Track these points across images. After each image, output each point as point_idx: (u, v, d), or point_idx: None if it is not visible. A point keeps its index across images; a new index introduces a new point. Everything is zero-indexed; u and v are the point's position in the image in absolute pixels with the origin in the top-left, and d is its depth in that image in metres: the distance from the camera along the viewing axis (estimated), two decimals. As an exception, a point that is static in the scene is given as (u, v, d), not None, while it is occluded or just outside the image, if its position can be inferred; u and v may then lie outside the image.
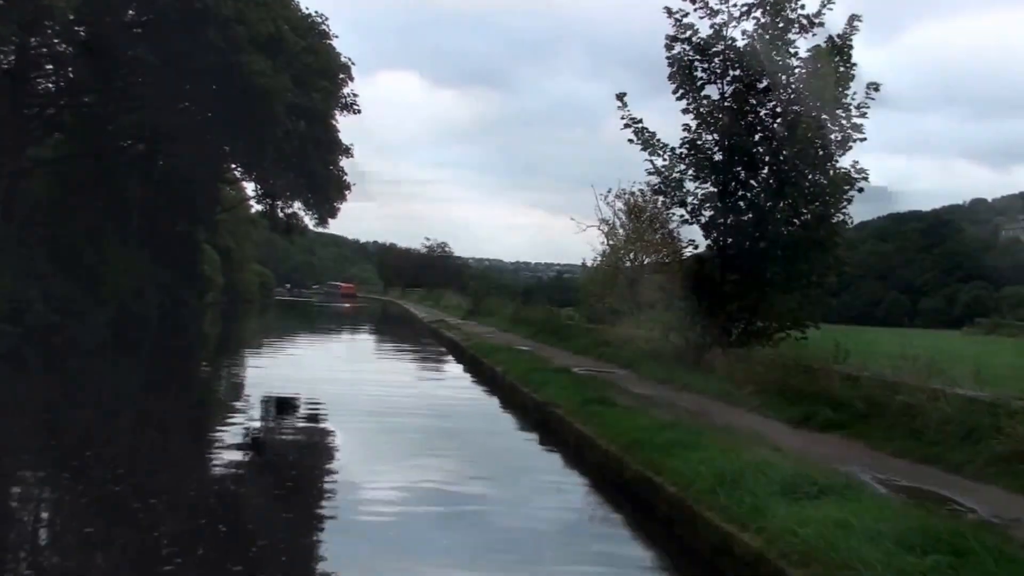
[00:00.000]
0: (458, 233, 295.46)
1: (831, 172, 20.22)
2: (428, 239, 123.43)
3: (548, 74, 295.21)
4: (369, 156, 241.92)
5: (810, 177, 20.21)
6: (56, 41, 31.51)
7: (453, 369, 29.03)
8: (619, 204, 35.55)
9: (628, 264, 35.68)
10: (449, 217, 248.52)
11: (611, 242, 35.87)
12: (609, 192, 35.78)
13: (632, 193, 35.36)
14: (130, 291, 37.83)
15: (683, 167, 20.94)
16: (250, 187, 54.88)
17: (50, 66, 33.09)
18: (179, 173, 43.25)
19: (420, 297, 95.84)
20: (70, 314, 30.74)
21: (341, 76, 41.35)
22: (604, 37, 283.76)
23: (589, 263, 37.28)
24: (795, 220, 19.99)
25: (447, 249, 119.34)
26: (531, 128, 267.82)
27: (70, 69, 33.94)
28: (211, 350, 35.96)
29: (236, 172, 50.32)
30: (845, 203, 20.02)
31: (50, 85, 34.71)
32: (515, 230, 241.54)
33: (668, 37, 21.12)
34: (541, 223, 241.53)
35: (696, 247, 21.81)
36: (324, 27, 40.08)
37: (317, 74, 37.51)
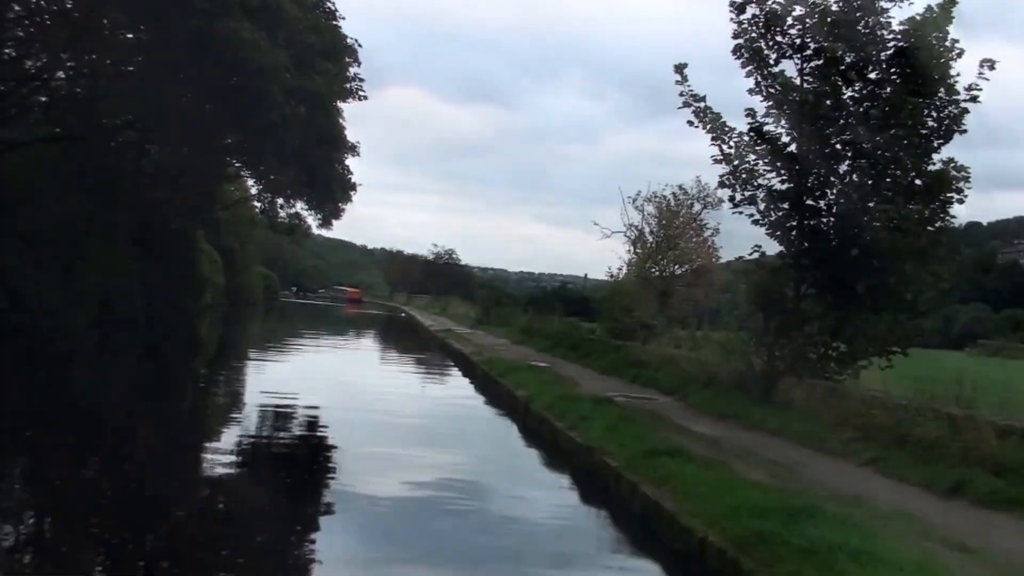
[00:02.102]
0: (463, 242, 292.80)
1: (925, 168, 16.77)
2: (436, 245, 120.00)
3: (550, 93, 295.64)
4: (378, 165, 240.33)
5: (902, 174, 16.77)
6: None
7: (464, 390, 25.34)
8: (649, 208, 32.11)
9: (657, 273, 32.21)
10: (455, 227, 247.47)
11: (638, 250, 32.38)
12: (638, 195, 32.40)
13: (664, 197, 32.04)
14: (115, 291, 34.39)
15: (753, 157, 17.46)
16: (251, 185, 51.51)
17: (24, 35, 29.67)
18: (174, 166, 39.76)
19: (426, 304, 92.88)
20: (42, 314, 27.40)
21: (347, 59, 37.85)
22: (603, 60, 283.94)
23: (614, 272, 33.67)
24: (889, 224, 16.34)
25: (454, 256, 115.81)
26: (534, 144, 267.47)
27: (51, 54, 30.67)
28: (199, 358, 32.33)
29: (236, 166, 46.60)
30: (954, 203, 16.53)
31: (27, 60, 31.28)
32: (519, 241, 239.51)
33: (736, 2, 17.71)
34: (545, 235, 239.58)
35: (763, 253, 18.21)
36: (330, 4, 36.65)
37: (320, 55, 33.99)
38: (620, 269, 33.48)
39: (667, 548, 9.26)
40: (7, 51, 30.50)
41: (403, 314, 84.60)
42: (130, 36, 31.39)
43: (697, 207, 32.22)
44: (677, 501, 9.64)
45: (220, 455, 13.25)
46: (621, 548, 10.17)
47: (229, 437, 14.92)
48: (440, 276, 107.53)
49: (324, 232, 55.89)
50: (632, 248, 32.47)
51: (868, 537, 7.95)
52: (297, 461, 13.77)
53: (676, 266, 32.28)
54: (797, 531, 7.96)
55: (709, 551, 8.39)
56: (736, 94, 18.16)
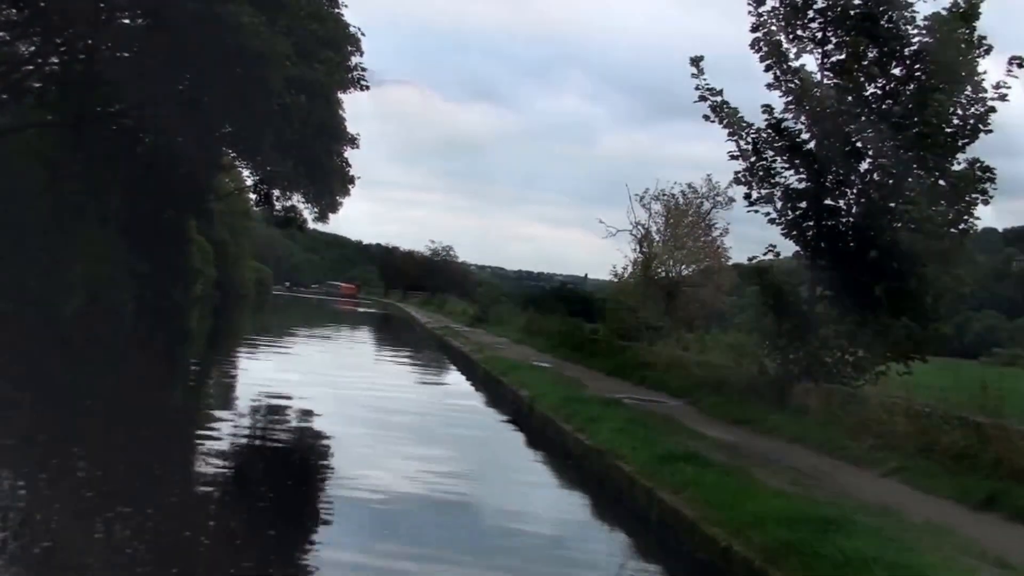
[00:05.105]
0: (460, 241, 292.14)
1: (949, 168, 16.22)
2: (433, 242, 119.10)
3: (549, 94, 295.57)
4: (375, 160, 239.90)
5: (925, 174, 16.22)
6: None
7: (463, 389, 24.74)
8: (657, 207, 31.53)
9: (664, 274, 31.61)
10: (453, 225, 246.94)
11: (645, 249, 31.77)
12: (645, 193, 31.81)
13: (672, 195, 31.47)
14: (103, 281, 33.69)
15: (771, 154, 16.91)
16: (247, 176, 50.75)
17: (18, 18, 28.98)
18: (168, 155, 38.96)
19: (422, 301, 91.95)
20: (25, 303, 26.71)
21: (349, 48, 37.09)
22: (602, 63, 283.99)
23: (619, 271, 33.05)
24: (911, 225, 15.76)
25: (452, 254, 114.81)
26: (533, 143, 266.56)
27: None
28: (186, 351, 31.67)
29: (231, 156, 45.80)
30: (978, 204, 15.99)
31: (21, 44, 30.64)
32: (517, 240, 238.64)
33: (756, -5, 17.22)
34: (543, 234, 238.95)
35: (778, 254, 17.64)
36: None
37: (322, 44, 33.23)
38: (625, 268, 32.93)
39: (687, 558, 8.68)
40: (0, 34, 29.86)
41: (398, 311, 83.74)
42: (127, 21, 30.75)
43: (706, 206, 31.72)
44: (697, 508, 9.04)
45: (205, 456, 12.55)
46: (636, 556, 9.58)
47: (214, 437, 14.12)
48: (437, 273, 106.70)
49: (319, 226, 55.14)
50: (638, 247, 31.89)
51: (904, 550, 7.43)
52: (279, 470, 12.82)
53: (683, 266, 31.72)
54: (829, 542, 7.44)
55: (734, 561, 7.82)
56: (738, 100, 17.60)
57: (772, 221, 17.12)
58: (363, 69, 39.03)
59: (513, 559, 8.96)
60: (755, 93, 17.76)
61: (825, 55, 16.98)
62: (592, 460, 12.50)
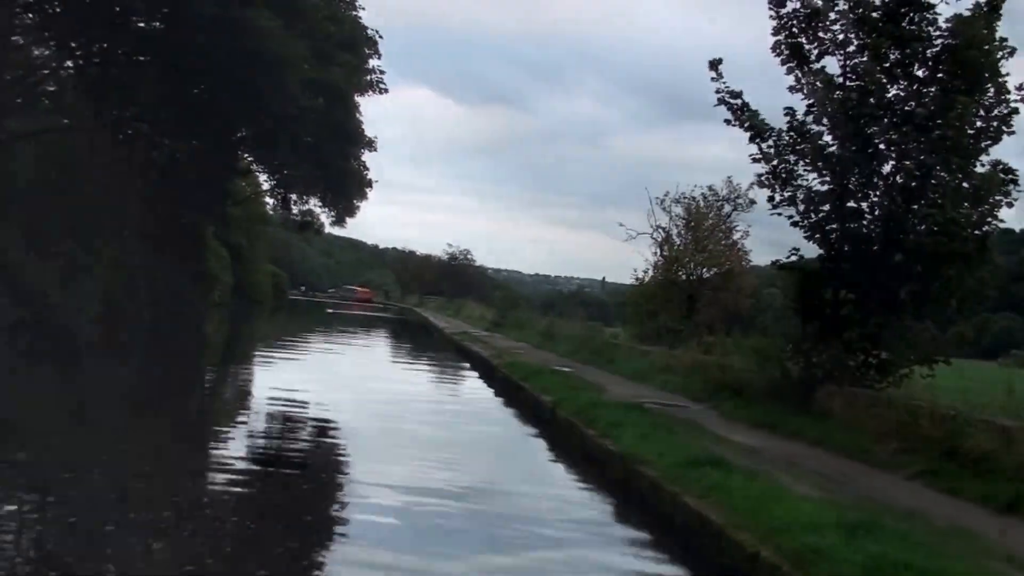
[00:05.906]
0: (477, 244, 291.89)
1: (972, 170, 16.10)
2: (451, 245, 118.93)
3: (562, 97, 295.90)
4: (390, 163, 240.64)
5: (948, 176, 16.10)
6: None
7: (483, 393, 24.69)
8: (677, 210, 31.44)
9: (684, 277, 31.49)
10: (468, 228, 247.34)
11: (666, 252, 31.68)
12: (666, 196, 31.72)
13: (692, 198, 31.37)
14: (121, 286, 33.70)
15: (793, 157, 16.81)
16: (263, 180, 50.82)
17: (33, 23, 29.04)
18: (185, 159, 39.02)
19: (439, 305, 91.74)
20: (43, 309, 26.69)
21: (367, 50, 37.03)
22: (616, 66, 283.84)
23: (640, 274, 32.93)
24: (935, 228, 15.64)
25: (469, 257, 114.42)
26: (548, 146, 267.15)
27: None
28: (204, 357, 31.72)
29: (248, 161, 45.83)
30: (1003, 207, 15.89)
31: (36, 48, 30.69)
32: (534, 244, 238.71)
33: (778, -6, 17.12)
34: (560, 237, 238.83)
35: (801, 256, 17.50)
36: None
37: (340, 46, 33.21)
38: (645, 272, 32.83)
39: (714, 564, 8.60)
40: (15, 39, 29.90)
41: (416, 316, 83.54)
42: (143, 24, 30.77)
43: (727, 209, 31.63)
44: (724, 514, 8.96)
45: (224, 466, 12.46)
46: (661, 562, 9.47)
47: (231, 446, 14.10)
48: (454, 277, 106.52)
49: (335, 230, 55.22)
50: (659, 250, 31.83)
51: (932, 555, 7.35)
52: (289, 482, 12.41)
53: (704, 269, 31.59)
54: (857, 547, 7.38)
55: (762, 567, 7.73)
56: (758, 103, 17.53)
57: (795, 224, 17.04)
58: (380, 72, 39.00)
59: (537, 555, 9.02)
60: (776, 95, 17.71)
61: (847, 57, 16.83)
62: (615, 465, 12.41)
